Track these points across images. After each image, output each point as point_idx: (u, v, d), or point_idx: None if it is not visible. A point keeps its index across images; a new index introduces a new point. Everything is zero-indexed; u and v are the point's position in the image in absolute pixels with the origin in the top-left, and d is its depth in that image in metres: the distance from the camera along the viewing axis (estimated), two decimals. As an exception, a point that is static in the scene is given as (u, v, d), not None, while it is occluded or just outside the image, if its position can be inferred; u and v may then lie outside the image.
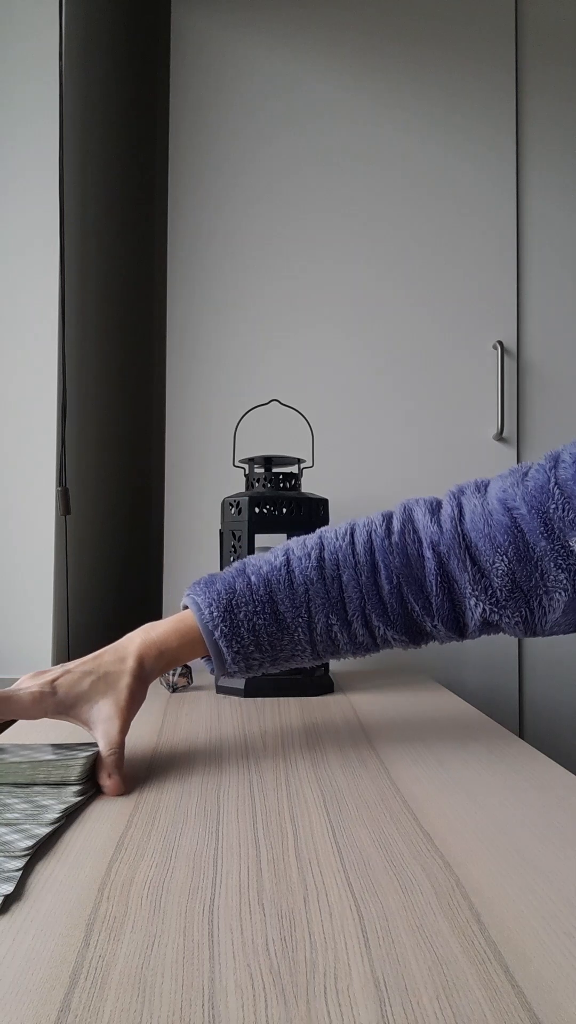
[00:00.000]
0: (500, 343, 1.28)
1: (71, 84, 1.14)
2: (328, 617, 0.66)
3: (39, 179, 1.08)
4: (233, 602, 0.66)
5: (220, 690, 0.96)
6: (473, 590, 0.65)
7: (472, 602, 0.65)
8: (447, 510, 0.67)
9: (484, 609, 0.65)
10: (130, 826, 0.49)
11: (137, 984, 0.31)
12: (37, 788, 0.54)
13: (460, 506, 0.67)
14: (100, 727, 0.60)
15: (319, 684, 0.96)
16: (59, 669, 0.63)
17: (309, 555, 0.68)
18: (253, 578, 0.67)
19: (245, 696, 0.93)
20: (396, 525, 0.68)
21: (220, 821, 0.50)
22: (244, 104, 1.30)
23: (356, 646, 0.68)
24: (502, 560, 0.64)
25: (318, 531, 0.71)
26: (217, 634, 0.65)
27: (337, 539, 0.68)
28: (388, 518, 0.69)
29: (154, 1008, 0.29)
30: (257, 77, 1.30)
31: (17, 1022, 0.28)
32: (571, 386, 1.31)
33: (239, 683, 0.94)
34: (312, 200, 1.30)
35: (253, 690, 0.94)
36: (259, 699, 0.92)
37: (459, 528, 0.66)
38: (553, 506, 0.64)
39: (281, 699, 0.92)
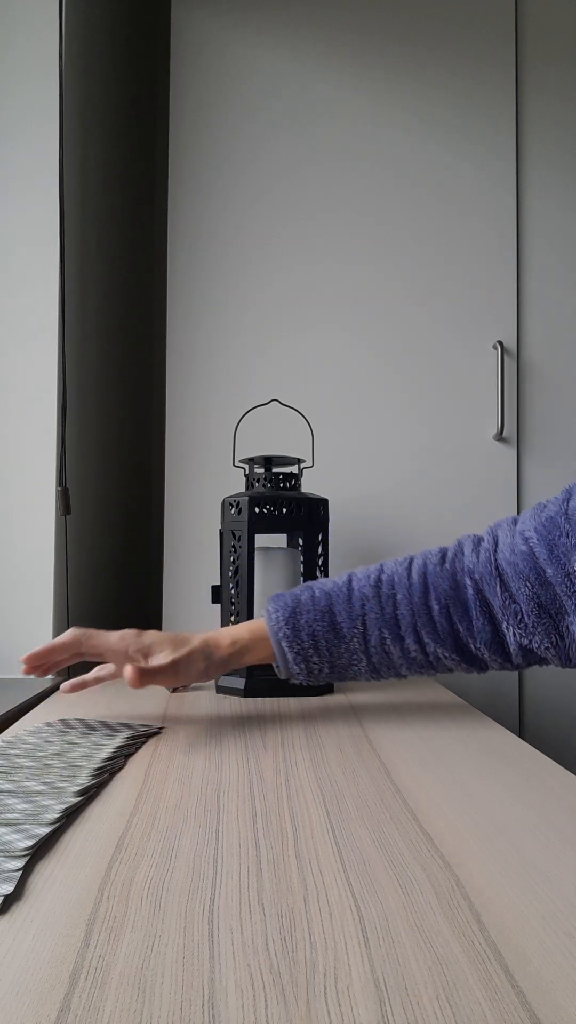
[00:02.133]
0: (500, 343, 1.28)
1: (71, 84, 1.14)
2: (381, 631, 0.74)
3: (39, 179, 1.08)
4: (297, 609, 0.76)
5: (220, 690, 0.96)
6: (503, 614, 0.72)
7: (505, 626, 0.72)
8: (485, 542, 0.76)
9: (515, 632, 0.72)
10: (130, 826, 0.49)
11: (137, 984, 0.31)
12: (37, 788, 0.54)
13: (496, 538, 0.75)
14: (156, 657, 0.73)
15: (319, 684, 0.96)
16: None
17: (368, 576, 0.77)
18: (317, 592, 0.77)
19: (245, 696, 0.93)
20: (449, 554, 0.77)
21: (220, 821, 0.50)
22: (244, 104, 1.30)
23: (410, 661, 0.75)
24: (526, 585, 0.71)
25: (382, 562, 0.80)
26: (280, 635, 0.75)
27: (396, 565, 0.78)
28: (444, 550, 0.78)
29: (154, 1008, 0.29)
30: (257, 77, 1.30)
31: (17, 1022, 0.28)
32: (571, 386, 1.31)
33: (239, 683, 0.94)
34: (312, 200, 1.30)
35: (253, 690, 0.94)
36: (259, 699, 0.92)
37: (493, 558, 0.73)
38: (559, 534, 0.70)
39: (281, 699, 0.92)
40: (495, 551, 0.74)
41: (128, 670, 0.69)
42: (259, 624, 0.78)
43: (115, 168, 1.46)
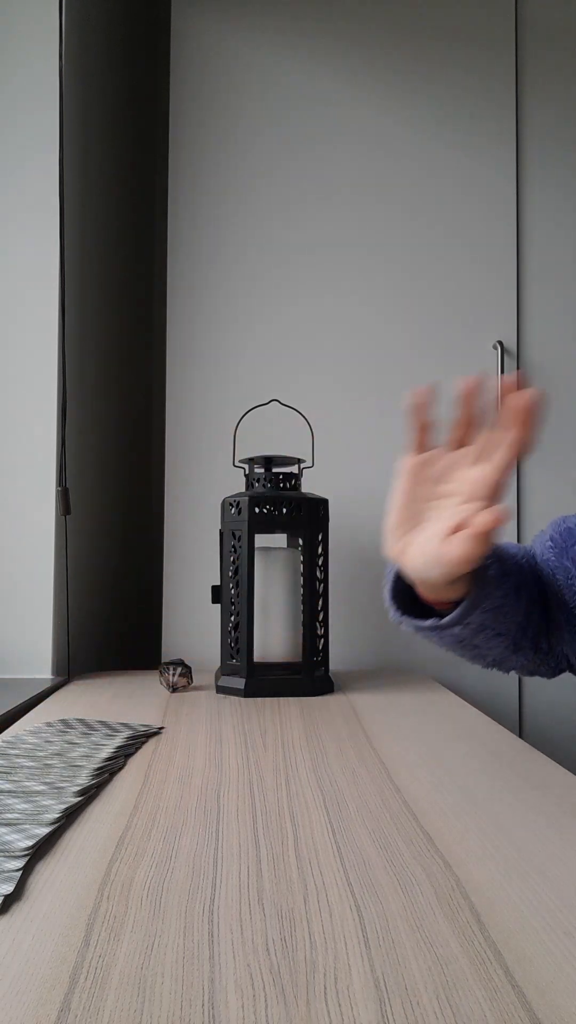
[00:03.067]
0: (500, 343, 1.28)
1: (71, 82, 1.14)
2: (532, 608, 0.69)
3: (39, 179, 1.08)
4: (500, 553, 0.67)
5: (220, 690, 0.96)
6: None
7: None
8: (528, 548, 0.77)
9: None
10: (130, 826, 0.49)
11: (137, 984, 0.31)
12: (37, 788, 0.54)
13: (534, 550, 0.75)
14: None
15: (319, 684, 0.96)
16: None
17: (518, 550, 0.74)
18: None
19: (245, 696, 0.93)
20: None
21: (220, 821, 0.50)
22: (244, 99, 1.30)
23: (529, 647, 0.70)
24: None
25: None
26: (491, 572, 0.63)
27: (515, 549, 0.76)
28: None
29: (154, 1008, 0.29)
30: (257, 71, 1.30)
31: (17, 1022, 0.28)
32: (571, 386, 1.31)
33: (239, 683, 0.94)
34: (312, 198, 1.30)
35: (253, 690, 0.94)
36: (259, 699, 0.92)
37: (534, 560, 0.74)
38: (572, 542, 0.71)
39: (281, 699, 0.92)
40: (535, 562, 0.74)
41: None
42: None
43: (115, 167, 1.46)
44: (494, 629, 0.65)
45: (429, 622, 0.64)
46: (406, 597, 0.67)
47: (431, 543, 0.58)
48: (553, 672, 0.73)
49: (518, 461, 0.61)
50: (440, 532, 0.57)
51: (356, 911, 0.37)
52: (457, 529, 0.56)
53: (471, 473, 0.57)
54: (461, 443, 0.59)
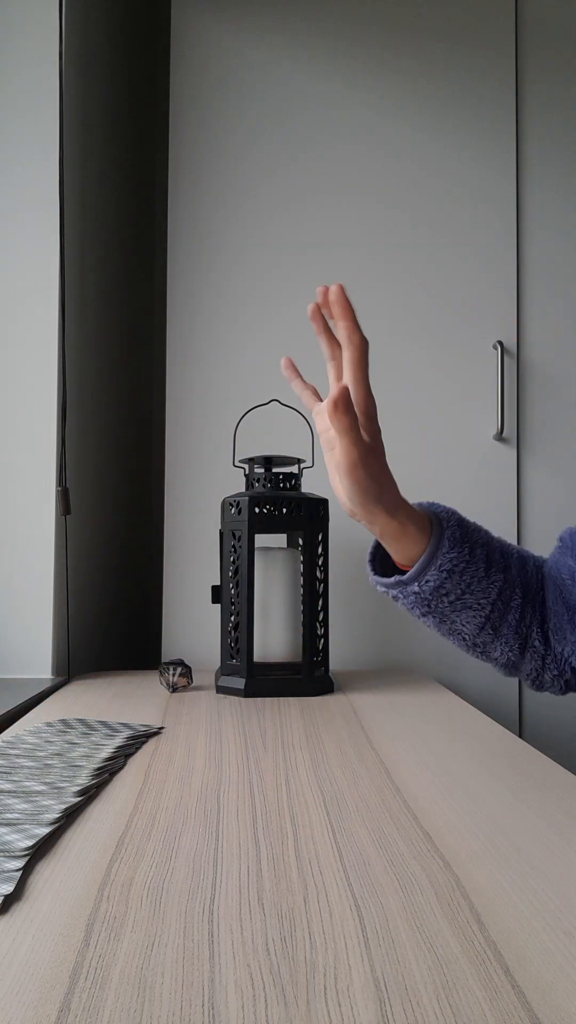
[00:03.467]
0: (500, 343, 1.28)
1: (71, 83, 1.14)
2: (515, 589, 0.70)
3: (39, 179, 1.08)
4: (464, 522, 0.70)
5: (220, 690, 0.96)
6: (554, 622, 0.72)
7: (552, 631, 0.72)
8: (540, 559, 0.77)
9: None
10: (130, 826, 0.49)
11: (137, 984, 0.31)
12: (37, 788, 0.54)
13: (544, 560, 0.76)
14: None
15: (319, 684, 0.96)
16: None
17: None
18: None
19: (245, 696, 0.93)
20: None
21: (220, 821, 0.50)
22: (244, 97, 1.30)
23: (509, 634, 0.71)
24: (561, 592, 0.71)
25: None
26: (448, 533, 0.67)
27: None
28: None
29: (154, 1008, 0.29)
30: (257, 71, 1.30)
31: (17, 1022, 0.28)
32: (571, 386, 1.31)
33: (239, 683, 0.94)
34: (312, 197, 1.30)
35: (253, 690, 0.94)
36: (259, 699, 0.92)
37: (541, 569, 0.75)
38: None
39: (281, 699, 0.92)
40: (543, 563, 0.75)
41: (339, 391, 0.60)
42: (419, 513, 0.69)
43: (115, 167, 1.46)
44: (457, 596, 0.68)
45: (392, 579, 0.69)
46: (385, 564, 0.74)
47: (330, 467, 0.65)
48: (559, 681, 0.73)
49: (358, 354, 0.62)
50: (327, 452, 0.65)
51: (356, 911, 0.37)
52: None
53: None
54: (333, 358, 0.66)
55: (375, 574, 0.72)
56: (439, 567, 0.66)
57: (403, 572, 0.71)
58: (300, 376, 0.70)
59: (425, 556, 0.67)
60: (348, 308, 0.62)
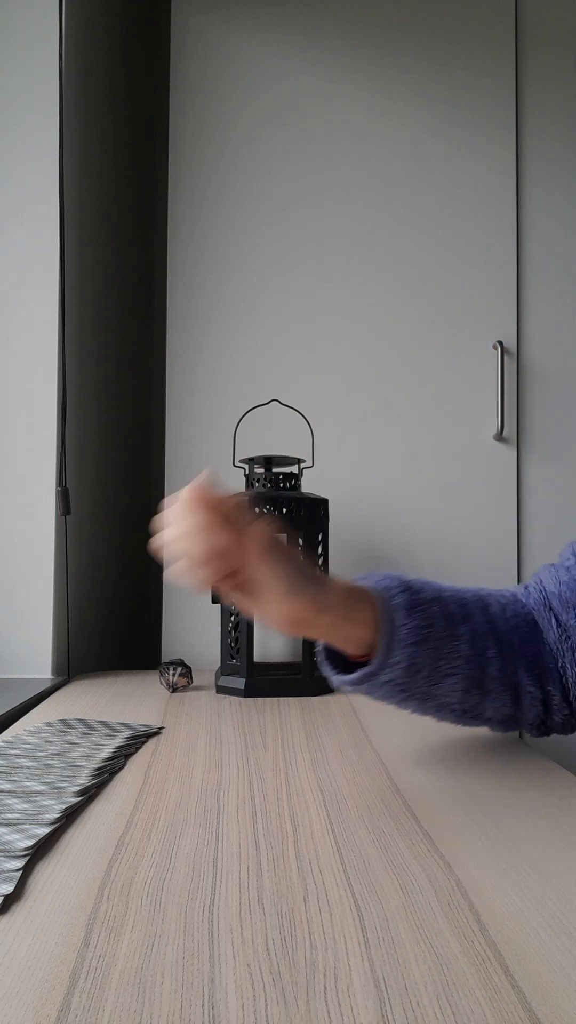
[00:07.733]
0: (500, 343, 1.28)
1: (71, 82, 1.14)
2: (486, 638, 0.62)
3: (39, 179, 1.08)
4: (410, 584, 0.61)
5: (220, 690, 0.96)
6: (560, 648, 0.65)
7: (560, 662, 0.65)
8: (532, 582, 0.70)
9: (572, 672, 0.65)
10: (130, 826, 0.49)
11: (137, 984, 0.31)
12: (37, 788, 0.54)
13: (540, 578, 0.70)
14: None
15: (319, 684, 0.96)
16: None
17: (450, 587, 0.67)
18: (415, 580, 0.64)
19: (245, 696, 0.93)
20: (505, 601, 0.68)
21: (220, 821, 0.50)
22: (244, 97, 1.30)
23: (495, 689, 0.63)
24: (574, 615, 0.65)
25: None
26: (396, 601, 0.59)
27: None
28: (498, 598, 0.69)
29: (154, 1008, 0.29)
30: (256, 70, 1.30)
31: (17, 1022, 0.28)
32: (571, 386, 1.31)
33: (239, 683, 0.94)
34: (312, 197, 1.30)
35: (253, 690, 0.94)
36: (259, 699, 0.92)
37: (542, 589, 0.68)
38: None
39: (281, 699, 0.92)
40: (542, 585, 0.68)
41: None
42: (360, 585, 0.60)
43: (115, 166, 1.46)
44: (432, 668, 0.59)
45: (356, 674, 0.59)
46: (339, 660, 0.64)
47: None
48: (572, 721, 0.66)
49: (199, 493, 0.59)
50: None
51: (356, 911, 0.37)
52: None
53: None
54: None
55: (336, 672, 0.62)
56: (404, 642, 0.57)
57: (361, 663, 0.61)
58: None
59: (383, 636, 0.57)
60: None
